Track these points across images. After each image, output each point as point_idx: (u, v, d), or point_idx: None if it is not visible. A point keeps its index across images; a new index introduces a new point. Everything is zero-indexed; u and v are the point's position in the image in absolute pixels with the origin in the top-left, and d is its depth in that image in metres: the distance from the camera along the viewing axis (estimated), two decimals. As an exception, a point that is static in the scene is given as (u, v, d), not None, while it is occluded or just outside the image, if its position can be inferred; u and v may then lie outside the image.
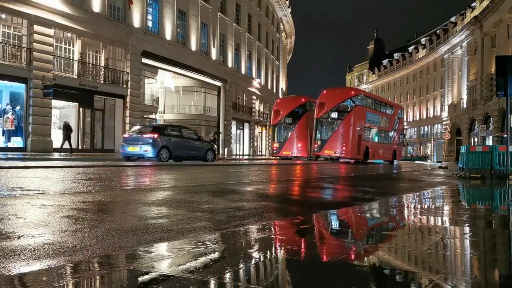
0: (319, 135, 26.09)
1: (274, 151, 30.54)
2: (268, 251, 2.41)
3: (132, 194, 5.26)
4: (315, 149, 26.40)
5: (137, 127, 16.72)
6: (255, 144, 43.98)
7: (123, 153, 15.68)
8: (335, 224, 3.49)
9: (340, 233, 3.15)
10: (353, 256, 2.29)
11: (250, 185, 7.27)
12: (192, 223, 3.35)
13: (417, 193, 6.39)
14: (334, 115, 25.93)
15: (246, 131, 41.79)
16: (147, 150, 14.96)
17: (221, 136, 35.20)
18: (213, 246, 2.47)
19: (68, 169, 9.55)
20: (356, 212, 4.14)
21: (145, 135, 15.32)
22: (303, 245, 2.61)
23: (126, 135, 16.34)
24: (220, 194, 5.45)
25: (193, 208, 4.13)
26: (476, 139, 42.56)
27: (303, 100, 29.89)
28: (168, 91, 33.79)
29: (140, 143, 15.15)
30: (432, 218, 3.86)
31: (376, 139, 28.41)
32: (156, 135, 15.25)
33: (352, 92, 28.03)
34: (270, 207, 4.56)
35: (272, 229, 3.10)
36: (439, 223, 3.60)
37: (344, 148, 25.10)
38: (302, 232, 3.03)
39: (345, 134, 25.17)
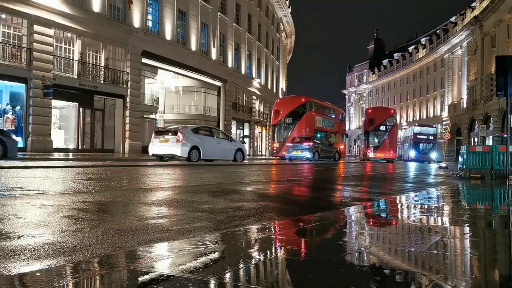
0: (371, 144, 36.73)
1: (274, 151, 30.59)
2: (268, 251, 2.41)
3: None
4: (367, 153, 36.71)
5: (295, 139, 25.07)
6: (255, 144, 43.97)
7: (288, 156, 23.97)
8: (334, 225, 3.50)
9: (340, 233, 3.15)
10: (353, 256, 2.29)
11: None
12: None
13: (417, 193, 6.39)
14: (382, 128, 36.69)
15: (246, 131, 41.76)
16: (306, 154, 23.23)
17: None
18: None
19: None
20: (356, 213, 4.15)
21: (303, 144, 23.55)
22: (303, 245, 2.61)
23: (289, 144, 24.52)
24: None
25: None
26: (476, 139, 42.56)
27: (303, 100, 29.91)
28: (168, 91, 33.77)
29: (302, 149, 23.46)
30: (431, 218, 3.86)
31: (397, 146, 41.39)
32: (311, 143, 23.50)
33: (392, 111, 40.04)
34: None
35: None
36: (439, 223, 3.61)
37: (391, 153, 36.35)
38: (302, 232, 3.04)
39: (391, 142, 36.70)
